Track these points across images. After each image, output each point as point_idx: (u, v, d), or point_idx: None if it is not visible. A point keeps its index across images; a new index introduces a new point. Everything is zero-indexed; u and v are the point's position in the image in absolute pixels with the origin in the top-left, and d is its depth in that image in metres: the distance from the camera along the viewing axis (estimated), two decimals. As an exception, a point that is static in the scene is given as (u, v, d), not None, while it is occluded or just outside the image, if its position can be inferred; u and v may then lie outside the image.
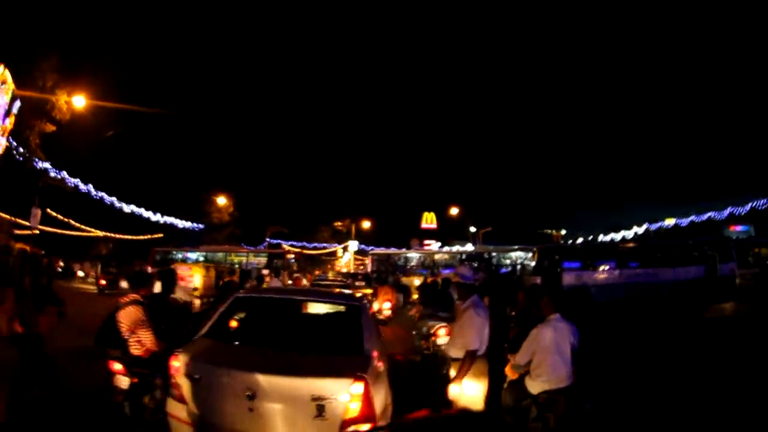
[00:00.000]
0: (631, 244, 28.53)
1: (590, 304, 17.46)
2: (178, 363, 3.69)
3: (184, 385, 3.59)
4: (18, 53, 18.68)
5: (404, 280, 23.36)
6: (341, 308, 5.03)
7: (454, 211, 43.41)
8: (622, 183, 70.64)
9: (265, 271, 24.00)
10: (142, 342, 4.46)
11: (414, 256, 29.08)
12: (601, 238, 42.22)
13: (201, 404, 3.51)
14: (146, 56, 48.01)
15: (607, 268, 20.21)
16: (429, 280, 15.04)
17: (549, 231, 32.24)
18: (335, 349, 4.01)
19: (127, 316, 4.49)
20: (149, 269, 16.35)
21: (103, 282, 19.62)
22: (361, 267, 44.63)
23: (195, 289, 13.58)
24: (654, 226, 41.88)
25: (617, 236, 40.74)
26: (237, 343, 4.28)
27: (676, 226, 39.41)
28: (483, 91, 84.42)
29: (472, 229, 41.15)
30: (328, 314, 5.28)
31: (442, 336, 6.96)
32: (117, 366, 4.35)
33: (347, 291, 8.15)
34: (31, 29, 20.68)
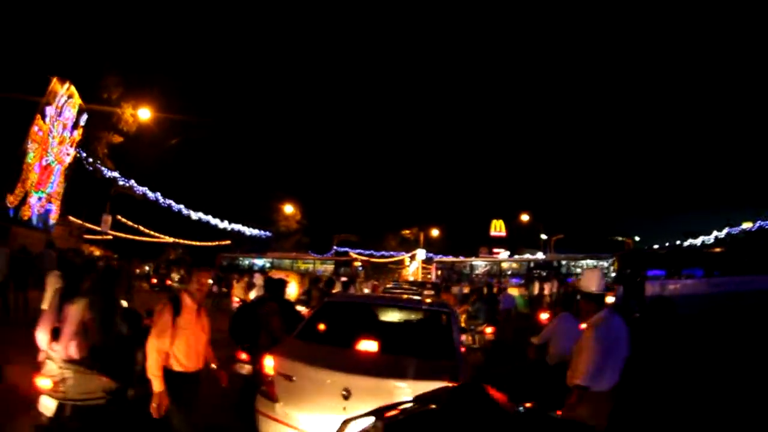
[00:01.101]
0: (718, 249, 25.42)
1: (676, 316, 15.42)
2: (272, 362, 3.82)
3: (278, 384, 3.72)
4: (84, 69, 19.56)
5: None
6: (431, 314, 5.19)
7: (524, 218, 41.43)
8: (689, 188, 65.06)
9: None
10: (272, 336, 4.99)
11: (480, 264, 27.71)
12: (677, 244, 38.55)
13: (293, 402, 3.63)
14: (211, 66, 49.82)
15: (693, 276, 17.92)
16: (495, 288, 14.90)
17: (620, 238, 29.66)
18: (428, 353, 4.01)
19: (262, 311, 5.31)
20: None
21: (154, 280, 21.01)
22: (429, 276, 43.66)
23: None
24: (735, 230, 37.70)
25: (696, 241, 36.86)
26: (330, 345, 4.28)
27: (761, 228, 35.15)
28: (553, 96, 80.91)
29: (543, 236, 38.97)
30: (418, 319, 5.45)
31: (489, 333, 8.79)
32: (243, 356, 5.08)
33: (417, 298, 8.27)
34: (95, 46, 21.68)
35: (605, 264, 19.37)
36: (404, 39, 79.21)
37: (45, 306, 5.03)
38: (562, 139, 76.22)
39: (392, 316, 5.65)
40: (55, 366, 3.72)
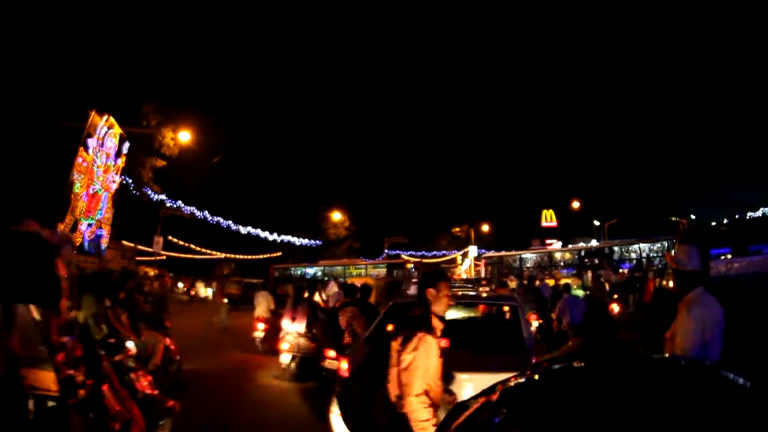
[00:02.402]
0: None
1: (745, 297, 14.21)
2: (345, 365, 3.96)
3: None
4: (121, 100, 20.43)
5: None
6: (498, 308, 5.31)
7: (574, 205, 39.91)
8: (740, 158, 59.80)
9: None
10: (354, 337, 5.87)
11: (529, 256, 26.82)
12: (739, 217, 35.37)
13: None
14: (250, 79, 50.99)
15: (761, 252, 16.54)
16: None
17: (675, 218, 27.75)
18: (498, 346, 4.05)
19: (344, 314, 6.44)
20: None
21: (193, 293, 21.85)
22: (479, 272, 42.87)
23: None
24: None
25: (755, 214, 33.55)
26: None
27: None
28: (596, 78, 77.73)
29: (596, 222, 37.32)
30: (486, 314, 5.53)
31: (533, 320, 9.19)
32: (331, 353, 6.01)
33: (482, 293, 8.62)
34: (130, 77, 22.62)
35: (657, 246, 18.29)
36: (445, 41, 78.71)
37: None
38: (606, 120, 73.17)
39: (459, 312, 5.64)
40: (291, 337, 8.21)
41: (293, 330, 8.48)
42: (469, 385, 3.36)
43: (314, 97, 66.69)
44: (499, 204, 54.89)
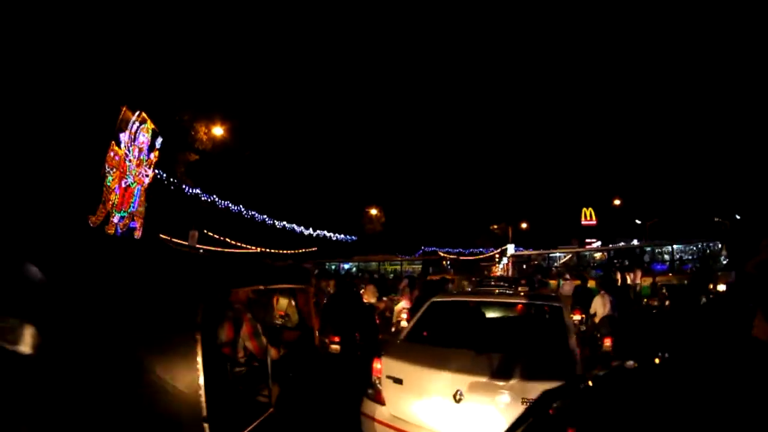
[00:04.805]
0: None
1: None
2: (380, 365, 3.81)
3: (386, 387, 3.71)
4: (154, 96, 21.09)
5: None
6: (539, 308, 5.04)
7: (615, 203, 38.52)
8: None
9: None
10: None
11: (557, 255, 26.11)
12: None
13: (402, 405, 3.59)
14: (282, 73, 51.44)
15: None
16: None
17: (717, 219, 26.31)
18: (541, 350, 3.84)
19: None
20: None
21: None
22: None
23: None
24: None
25: None
26: (439, 345, 4.14)
27: None
28: (639, 75, 74.29)
29: (638, 221, 35.86)
30: (528, 315, 5.30)
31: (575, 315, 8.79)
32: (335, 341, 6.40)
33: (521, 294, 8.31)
34: (163, 74, 23.26)
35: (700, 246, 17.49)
36: (489, 38, 77.45)
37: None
38: (651, 117, 69.83)
39: (500, 312, 5.50)
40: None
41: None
42: (499, 391, 3.25)
43: (355, 91, 67.03)
44: (539, 202, 53.45)
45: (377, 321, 8.47)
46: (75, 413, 2.13)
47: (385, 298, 12.52)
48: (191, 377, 2.29)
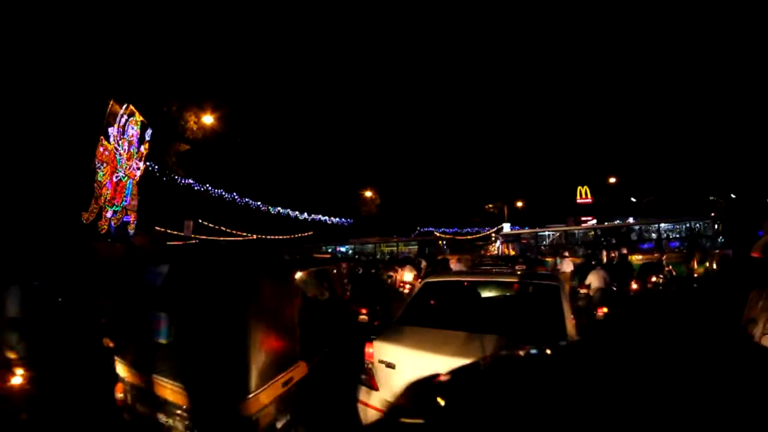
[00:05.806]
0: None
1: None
2: (372, 350, 3.75)
3: (379, 372, 3.65)
4: (140, 88, 20.98)
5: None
6: (536, 287, 4.71)
7: (611, 181, 38.55)
8: None
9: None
10: None
11: (546, 234, 26.24)
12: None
13: (395, 390, 3.51)
14: (273, 57, 50.85)
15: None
16: None
17: (713, 197, 26.37)
18: (536, 331, 3.64)
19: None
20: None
21: None
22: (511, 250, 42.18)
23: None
24: None
25: None
26: (433, 327, 4.04)
27: None
28: (633, 54, 73.53)
29: (633, 199, 35.98)
30: (522, 294, 5.00)
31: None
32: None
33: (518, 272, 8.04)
34: (148, 66, 23.07)
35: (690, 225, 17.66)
36: (485, 25, 76.39)
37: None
38: (645, 95, 69.34)
39: (496, 292, 5.30)
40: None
41: None
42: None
43: (347, 74, 66.30)
44: (534, 180, 53.37)
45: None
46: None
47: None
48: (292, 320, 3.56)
